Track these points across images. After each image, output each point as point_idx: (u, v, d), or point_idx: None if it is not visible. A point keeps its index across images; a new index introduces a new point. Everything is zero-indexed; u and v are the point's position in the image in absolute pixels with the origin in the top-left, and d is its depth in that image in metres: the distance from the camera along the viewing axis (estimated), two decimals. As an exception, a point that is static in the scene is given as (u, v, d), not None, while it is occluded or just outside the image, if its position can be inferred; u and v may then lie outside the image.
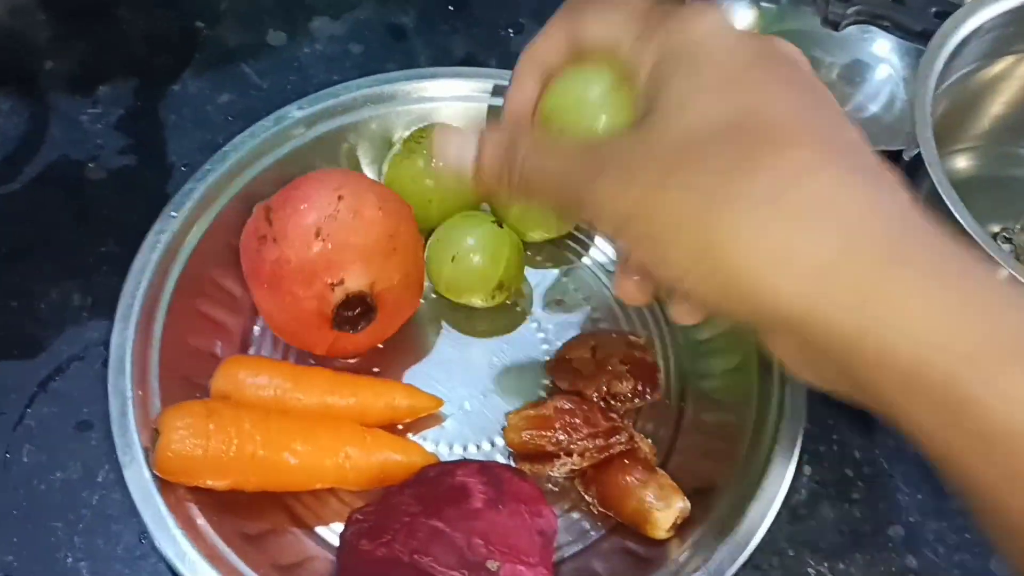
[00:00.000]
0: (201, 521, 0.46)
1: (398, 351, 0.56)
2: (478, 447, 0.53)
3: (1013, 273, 0.41)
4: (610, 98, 0.39)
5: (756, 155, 0.31)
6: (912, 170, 0.47)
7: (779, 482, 0.48)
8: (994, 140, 0.57)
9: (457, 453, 0.53)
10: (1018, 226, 0.54)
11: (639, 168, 0.34)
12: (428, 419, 0.54)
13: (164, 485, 0.46)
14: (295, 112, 0.57)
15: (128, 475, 0.46)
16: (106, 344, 0.50)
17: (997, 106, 0.55)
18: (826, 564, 0.51)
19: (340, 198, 0.49)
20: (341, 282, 0.48)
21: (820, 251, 0.30)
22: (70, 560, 0.49)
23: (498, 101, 0.60)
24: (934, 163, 0.42)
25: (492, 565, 0.43)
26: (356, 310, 0.49)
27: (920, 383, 0.29)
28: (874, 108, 0.67)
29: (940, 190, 0.42)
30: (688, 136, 0.33)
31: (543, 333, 0.57)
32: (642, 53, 0.36)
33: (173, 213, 0.53)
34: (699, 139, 0.33)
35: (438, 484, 0.47)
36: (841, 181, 0.31)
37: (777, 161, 0.31)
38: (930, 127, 0.44)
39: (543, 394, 0.55)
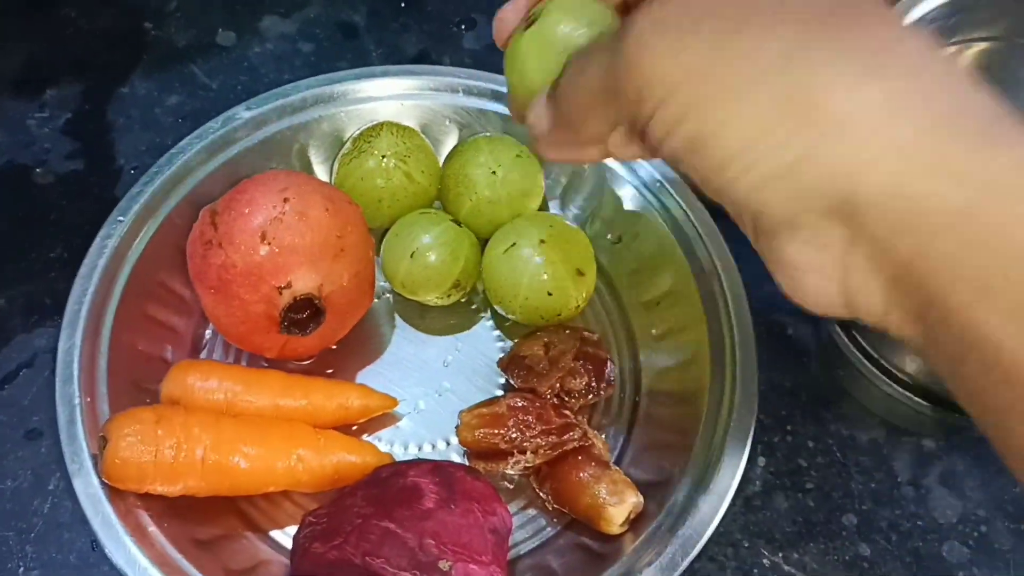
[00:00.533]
0: (152, 528, 0.46)
1: (352, 352, 0.55)
2: (433, 446, 0.53)
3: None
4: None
5: (845, 9, 0.28)
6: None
7: (732, 474, 0.48)
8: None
9: (412, 453, 0.53)
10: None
11: (690, 22, 0.29)
12: (383, 419, 0.53)
13: (114, 492, 0.46)
14: (243, 113, 0.57)
15: (77, 483, 0.46)
16: (55, 351, 0.49)
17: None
18: (780, 555, 0.51)
19: (286, 200, 0.48)
20: (288, 285, 0.48)
21: (923, 115, 0.26)
22: (22, 569, 0.49)
23: (448, 99, 0.59)
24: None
25: (444, 565, 0.43)
26: (305, 312, 0.49)
27: None
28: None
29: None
30: None
31: (499, 331, 0.57)
32: None
33: (120, 217, 0.53)
34: None
35: (390, 485, 0.46)
36: (933, 55, 0.27)
37: (870, 20, 0.27)
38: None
39: (499, 392, 0.55)
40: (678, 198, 0.57)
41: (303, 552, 0.45)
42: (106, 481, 0.45)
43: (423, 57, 0.68)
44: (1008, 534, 0.53)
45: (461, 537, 0.44)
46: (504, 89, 0.60)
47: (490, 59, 0.68)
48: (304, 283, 0.48)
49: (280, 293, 0.48)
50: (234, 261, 0.47)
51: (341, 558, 0.44)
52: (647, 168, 0.57)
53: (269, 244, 0.47)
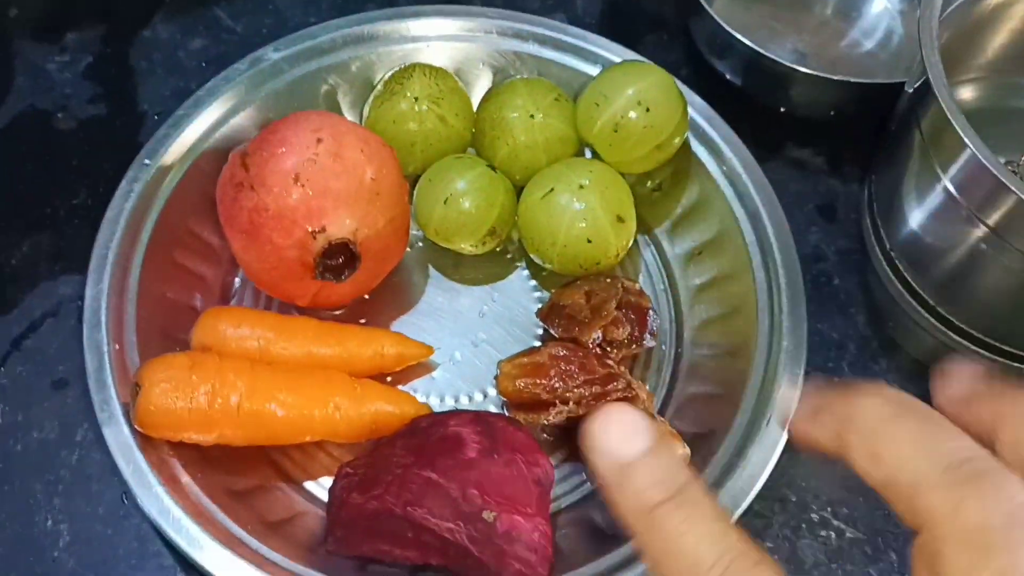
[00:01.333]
0: (185, 478, 0.45)
1: (384, 302, 0.54)
2: (470, 398, 0.52)
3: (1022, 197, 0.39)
4: None
5: None
6: (917, 100, 0.46)
7: (780, 428, 0.46)
8: (998, 71, 0.55)
9: (448, 404, 0.51)
10: (1022, 159, 0.52)
11: None
12: (418, 370, 0.52)
13: (145, 442, 0.44)
14: (271, 54, 0.55)
15: (107, 432, 0.44)
16: (80, 299, 0.48)
17: (1001, 35, 0.53)
18: (829, 509, 0.50)
19: (319, 141, 0.46)
20: (323, 229, 0.46)
21: None
22: (50, 523, 0.47)
23: (481, 41, 0.57)
24: (942, 86, 0.40)
25: (488, 515, 0.42)
26: (339, 259, 0.47)
27: None
28: (869, 44, 0.65)
29: (948, 114, 0.40)
30: None
31: (534, 280, 0.56)
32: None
33: (147, 161, 0.51)
34: None
35: (430, 435, 0.45)
36: None
37: None
38: (937, 50, 0.42)
39: (536, 343, 0.53)
40: (721, 143, 0.55)
41: (340, 503, 0.44)
42: (139, 429, 0.44)
43: (454, -1, 0.66)
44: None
45: (505, 488, 0.43)
46: (538, 29, 0.58)
47: (523, 1, 0.66)
48: (339, 227, 0.46)
49: (314, 238, 0.46)
50: (266, 204, 0.46)
51: (381, 508, 0.42)
52: (691, 112, 0.55)
53: (303, 186, 0.46)
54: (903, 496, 0.25)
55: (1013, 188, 0.39)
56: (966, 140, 0.40)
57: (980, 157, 0.40)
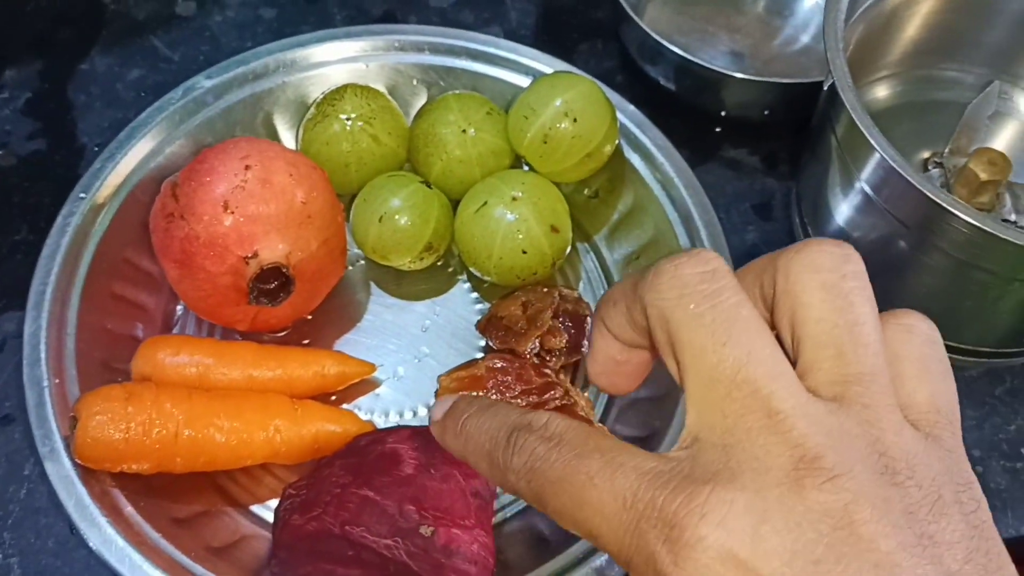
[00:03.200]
0: (128, 509, 0.45)
1: (327, 321, 0.54)
2: (415, 413, 0.52)
3: (936, 199, 0.40)
4: None
5: None
6: (830, 100, 0.46)
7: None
8: (915, 65, 0.56)
9: (393, 420, 0.52)
10: (947, 150, 0.53)
11: None
12: (362, 387, 0.52)
13: (87, 474, 0.45)
14: (204, 82, 0.56)
15: (49, 467, 0.45)
16: (23, 335, 0.48)
17: (913, 29, 0.54)
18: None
19: (247, 168, 0.47)
20: (255, 255, 0.47)
21: None
22: (0, 557, 0.48)
23: (413, 58, 0.58)
24: (847, 89, 0.41)
25: (425, 530, 0.42)
26: (274, 282, 0.48)
27: None
28: (805, 39, 0.66)
29: (855, 117, 0.41)
30: None
31: (476, 292, 0.56)
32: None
33: (82, 195, 0.52)
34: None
35: (368, 452, 0.46)
36: None
37: None
38: (842, 53, 0.42)
39: (479, 355, 0.54)
40: (654, 149, 0.55)
41: (283, 525, 0.44)
42: (79, 462, 0.44)
43: (388, 17, 0.66)
44: (1003, 473, 0.52)
45: (442, 501, 0.44)
46: (470, 44, 0.58)
47: (457, 16, 0.67)
48: (271, 252, 0.47)
49: (247, 263, 0.47)
50: (197, 233, 0.46)
51: (320, 529, 0.43)
52: (622, 119, 0.55)
53: (232, 213, 0.46)
54: (635, 307, 0.28)
55: (921, 188, 0.40)
56: (873, 143, 0.41)
57: (887, 159, 0.40)
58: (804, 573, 0.23)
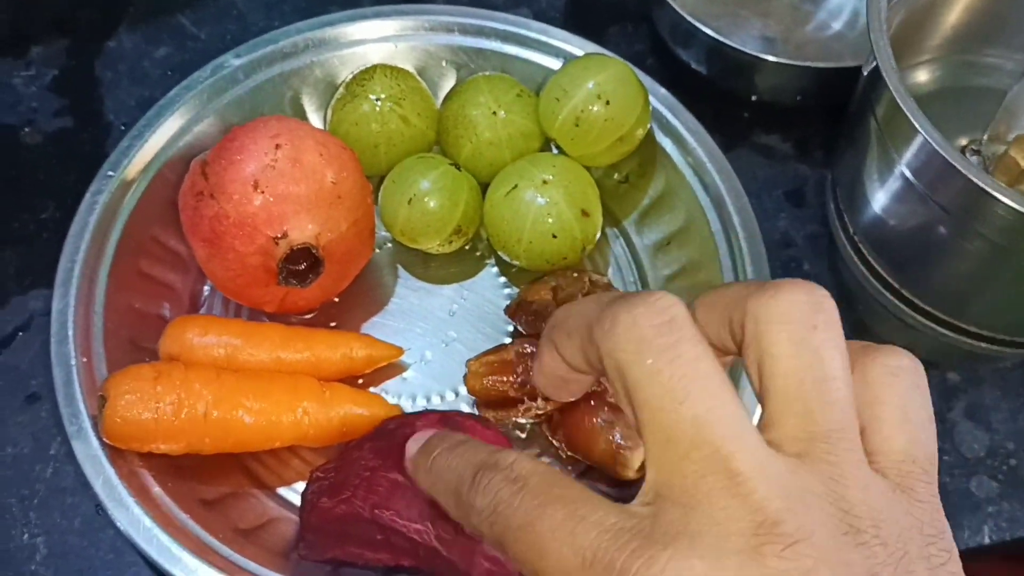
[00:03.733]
0: (156, 489, 0.45)
1: (354, 304, 0.54)
2: (442, 398, 0.52)
3: (980, 183, 0.39)
4: None
5: None
6: (871, 84, 0.45)
7: (751, 415, 0.46)
8: (955, 50, 0.55)
9: (420, 405, 0.52)
10: (985, 137, 0.52)
11: None
12: (389, 371, 0.52)
13: (115, 454, 0.44)
14: (233, 60, 0.55)
15: (76, 446, 0.44)
16: (50, 313, 0.48)
17: (955, 14, 0.53)
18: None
19: (277, 147, 0.46)
20: (284, 235, 0.46)
21: None
22: (26, 536, 0.48)
23: (443, 39, 0.57)
24: (891, 71, 0.40)
25: (455, 515, 0.42)
26: (303, 263, 0.48)
27: None
28: (837, 25, 0.65)
29: (898, 100, 0.40)
30: None
31: (504, 277, 0.56)
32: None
33: (110, 173, 0.51)
34: None
35: (397, 436, 0.45)
36: None
37: None
38: (885, 35, 0.41)
39: (507, 340, 0.53)
40: (686, 133, 0.55)
41: (311, 507, 0.44)
42: (107, 442, 0.44)
43: (417, -3, 0.66)
44: (1036, 466, 0.52)
45: (472, 487, 0.43)
46: (500, 26, 0.58)
47: (487, -3, 0.66)
48: (301, 232, 0.47)
49: (276, 243, 0.46)
50: (227, 212, 0.46)
51: (350, 512, 0.42)
52: (654, 103, 0.55)
53: (262, 193, 0.46)
54: (590, 349, 0.27)
55: (965, 172, 0.39)
56: (917, 125, 0.40)
57: (931, 142, 0.40)
58: None
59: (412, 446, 0.32)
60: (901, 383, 0.26)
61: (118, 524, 0.43)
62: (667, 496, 0.24)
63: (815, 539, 0.23)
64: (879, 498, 0.25)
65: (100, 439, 0.44)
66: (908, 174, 0.44)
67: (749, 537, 0.23)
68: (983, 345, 0.49)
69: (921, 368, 0.27)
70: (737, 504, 0.23)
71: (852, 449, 0.25)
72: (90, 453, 0.44)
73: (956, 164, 0.39)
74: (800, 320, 0.25)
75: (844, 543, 0.23)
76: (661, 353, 0.25)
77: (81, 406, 0.45)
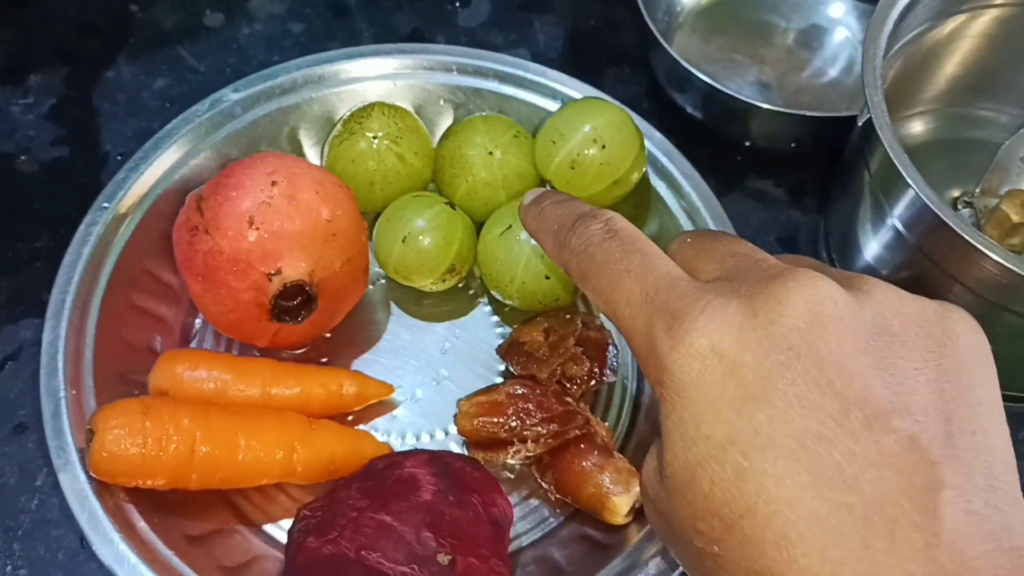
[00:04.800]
0: (141, 524, 0.44)
1: (346, 340, 0.54)
2: (432, 436, 0.52)
3: (970, 240, 0.40)
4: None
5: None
6: (865, 136, 0.46)
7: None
8: (950, 102, 0.55)
9: (410, 443, 0.51)
10: (978, 190, 0.53)
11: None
12: (379, 408, 0.52)
13: (101, 487, 0.44)
14: (231, 95, 0.55)
15: (63, 478, 0.44)
16: (40, 343, 0.48)
17: (951, 67, 0.54)
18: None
19: (274, 184, 0.47)
20: (278, 271, 0.46)
21: None
22: (9, 568, 0.47)
23: (442, 78, 0.58)
24: (884, 126, 0.41)
25: (443, 558, 0.42)
26: (296, 300, 0.48)
27: None
28: (833, 72, 0.66)
29: (891, 154, 0.40)
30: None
31: (497, 316, 0.56)
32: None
33: (105, 204, 0.51)
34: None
35: (386, 476, 0.45)
36: None
37: None
38: (880, 90, 0.42)
39: (499, 379, 0.53)
40: (680, 177, 0.55)
41: (297, 547, 0.44)
42: (94, 475, 0.44)
43: (416, 36, 0.66)
44: None
45: (460, 529, 0.43)
46: (498, 66, 0.58)
47: (485, 37, 0.67)
48: (294, 269, 0.47)
49: (270, 280, 0.46)
50: (221, 247, 0.46)
51: (336, 553, 0.42)
52: (649, 147, 0.55)
53: (257, 229, 0.46)
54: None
55: (956, 228, 0.40)
56: (909, 180, 0.40)
57: (923, 197, 0.40)
58: (776, 360, 0.27)
59: (528, 196, 0.41)
60: None
61: (102, 559, 0.43)
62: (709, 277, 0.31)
63: (823, 280, 0.28)
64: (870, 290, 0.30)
65: (87, 472, 0.44)
66: (899, 226, 0.44)
67: (773, 278, 0.28)
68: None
69: None
70: (764, 267, 0.30)
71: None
72: (76, 486, 0.44)
73: (947, 220, 0.39)
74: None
75: (846, 286, 0.29)
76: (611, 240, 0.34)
77: (69, 439, 0.45)
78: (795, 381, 0.26)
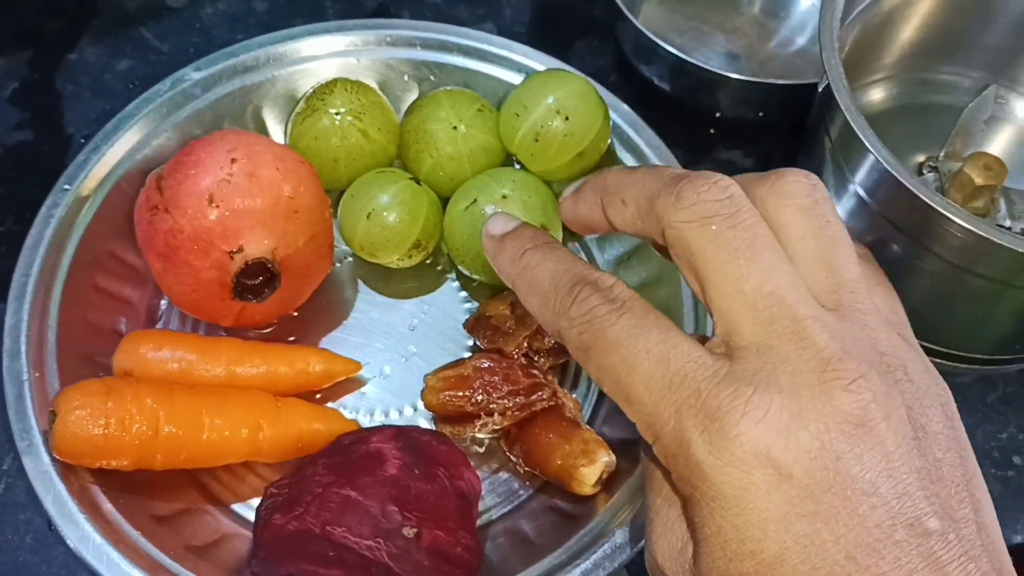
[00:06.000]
0: (107, 506, 0.44)
1: (313, 318, 0.54)
2: (400, 413, 0.52)
3: (931, 204, 0.40)
4: None
5: None
6: (825, 102, 0.46)
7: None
8: (911, 67, 0.55)
9: (378, 420, 0.51)
10: (942, 154, 0.52)
11: None
12: (347, 386, 0.52)
13: (66, 469, 0.44)
14: (193, 74, 0.55)
15: (27, 462, 0.44)
16: (3, 327, 0.47)
17: (910, 31, 0.53)
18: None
19: (233, 161, 0.46)
20: (240, 249, 0.46)
21: None
22: (-23, 553, 0.47)
23: (405, 53, 0.57)
24: (842, 90, 0.40)
25: (408, 532, 0.42)
26: (259, 278, 0.47)
27: None
28: (801, 41, 0.66)
29: (850, 119, 0.40)
30: None
31: (465, 292, 0.56)
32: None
33: (66, 186, 0.51)
34: None
35: (352, 452, 0.45)
36: None
37: None
38: (837, 54, 0.42)
39: (467, 355, 0.53)
40: (646, 148, 0.55)
41: (264, 524, 0.44)
42: (58, 457, 0.44)
43: (382, 11, 0.66)
44: (994, 481, 0.52)
45: (425, 503, 0.43)
46: (462, 41, 0.58)
47: (452, 12, 0.66)
48: (256, 247, 0.46)
49: (231, 258, 0.46)
50: (181, 226, 0.46)
51: (301, 529, 0.42)
52: (615, 119, 0.55)
53: (217, 207, 0.45)
54: (648, 219, 0.31)
55: (916, 192, 0.39)
56: (868, 145, 0.40)
57: (882, 161, 0.40)
58: (825, 469, 0.26)
59: (496, 226, 0.36)
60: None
61: (68, 541, 0.42)
62: (738, 343, 0.28)
63: (870, 376, 0.27)
64: (898, 341, 0.29)
65: (51, 455, 0.44)
66: (862, 193, 0.44)
67: (819, 374, 0.27)
68: (940, 362, 0.49)
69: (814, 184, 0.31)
70: (806, 345, 0.27)
71: (868, 298, 0.30)
72: (41, 469, 0.44)
73: (907, 184, 0.39)
74: (805, 195, 0.30)
75: (887, 380, 0.27)
76: (725, 220, 0.29)
77: (32, 421, 0.45)
78: (844, 494, 0.26)
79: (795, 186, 0.30)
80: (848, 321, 0.28)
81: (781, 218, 0.30)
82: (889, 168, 0.40)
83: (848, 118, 0.40)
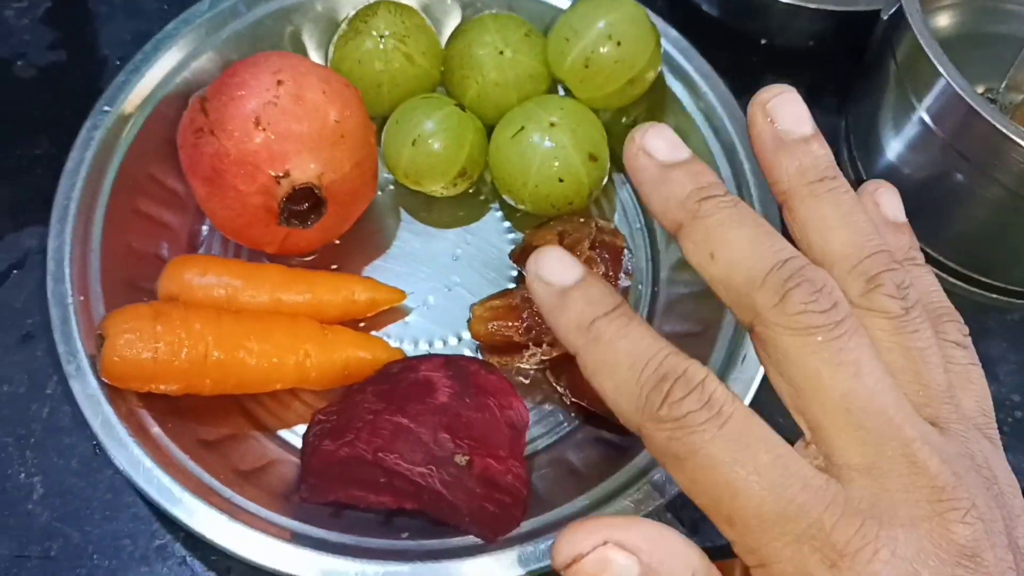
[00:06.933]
0: (155, 429, 0.44)
1: (356, 246, 0.53)
2: (444, 342, 0.51)
3: (1004, 130, 0.38)
4: None
5: None
6: (893, 27, 0.44)
7: (757, 365, 0.46)
8: (976, -6, 0.54)
9: (423, 349, 0.51)
10: (1003, 85, 0.51)
11: None
12: (391, 315, 0.51)
13: (113, 394, 0.44)
14: (232, -6, 0.53)
15: (74, 385, 0.44)
16: (46, 251, 0.47)
17: (980, -44, 0.52)
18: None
19: (279, 83, 0.45)
20: (286, 174, 0.45)
21: None
22: (23, 476, 0.47)
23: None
24: (915, 13, 0.39)
25: (460, 459, 0.42)
26: (305, 204, 0.46)
27: None
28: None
29: (922, 42, 0.39)
30: None
31: (509, 222, 0.55)
32: None
33: (106, 108, 0.50)
34: None
35: (401, 380, 0.44)
36: None
37: None
38: (910, -25, 0.40)
39: (511, 285, 0.53)
40: (696, 76, 0.53)
41: (313, 450, 0.44)
42: (105, 381, 0.43)
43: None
44: (1042, 420, 0.52)
45: (477, 431, 0.43)
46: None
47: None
48: (303, 172, 0.45)
49: (278, 183, 0.45)
50: (227, 149, 0.45)
51: (353, 454, 0.42)
52: (665, 45, 0.53)
53: (264, 130, 0.44)
54: (736, 293, 0.28)
55: (988, 117, 0.38)
56: (940, 69, 0.39)
57: (955, 86, 0.39)
58: None
59: (551, 271, 0.30)
60: (958, 352, 0.31)
61: (117, 464, 0.42)
62: (844, 461, 0.26)
63: (978, 505, 0.26)
64: (992, 454, 0.28)
65: (98, 378, 0.43)
66: (928, 120, 0.43)
67: (933, 504, 0.25)
68: (994, 296, 0.49)
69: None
70: (918, 472, 0.26)
71: (959, 408, 0.28)
72: (88, 392, 0.43)
73: (980, 109, 0.38)
74: (898, 307, 0.29)
75: (994, 505, 0.26)
76: (830, 331, 0.26)
77: (79, 345, 0.44)
78: None
79: (888, 301, 0.28)
80: (947, 436, 0.27)
81: (872, 327, 0.28)
82: (962, 93, 0.39)
83: (921, 42, 0.39)
